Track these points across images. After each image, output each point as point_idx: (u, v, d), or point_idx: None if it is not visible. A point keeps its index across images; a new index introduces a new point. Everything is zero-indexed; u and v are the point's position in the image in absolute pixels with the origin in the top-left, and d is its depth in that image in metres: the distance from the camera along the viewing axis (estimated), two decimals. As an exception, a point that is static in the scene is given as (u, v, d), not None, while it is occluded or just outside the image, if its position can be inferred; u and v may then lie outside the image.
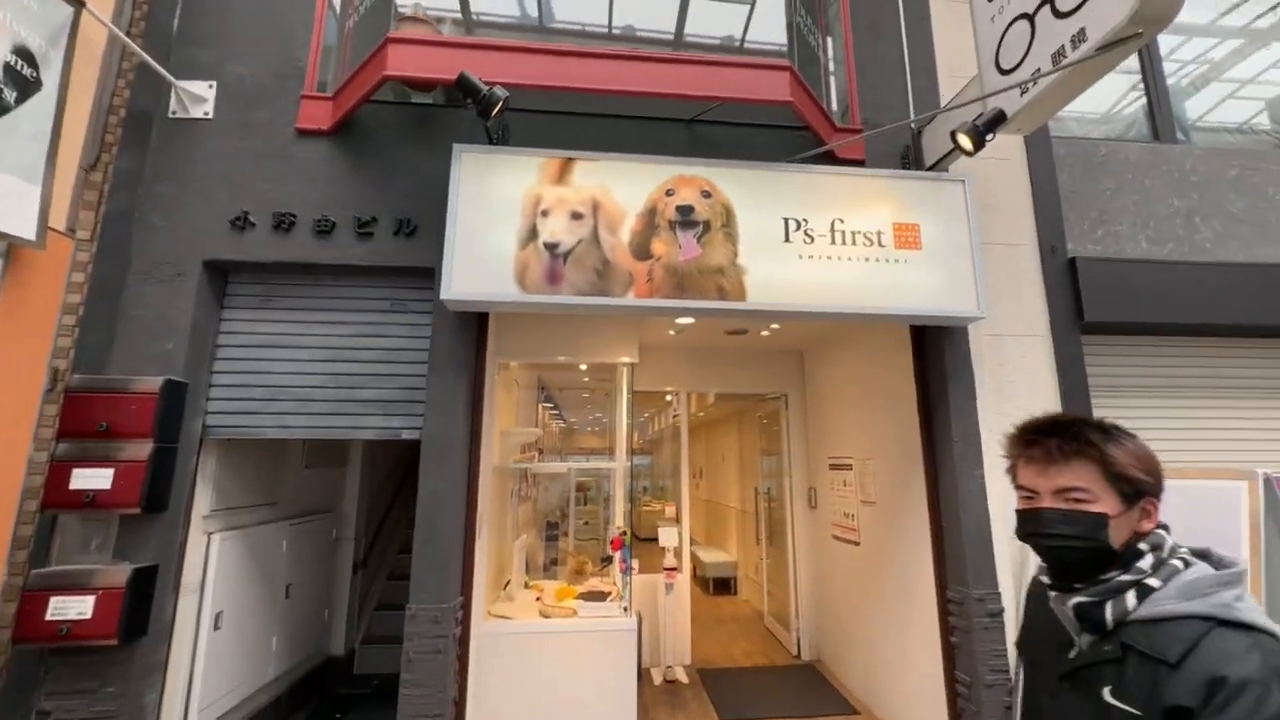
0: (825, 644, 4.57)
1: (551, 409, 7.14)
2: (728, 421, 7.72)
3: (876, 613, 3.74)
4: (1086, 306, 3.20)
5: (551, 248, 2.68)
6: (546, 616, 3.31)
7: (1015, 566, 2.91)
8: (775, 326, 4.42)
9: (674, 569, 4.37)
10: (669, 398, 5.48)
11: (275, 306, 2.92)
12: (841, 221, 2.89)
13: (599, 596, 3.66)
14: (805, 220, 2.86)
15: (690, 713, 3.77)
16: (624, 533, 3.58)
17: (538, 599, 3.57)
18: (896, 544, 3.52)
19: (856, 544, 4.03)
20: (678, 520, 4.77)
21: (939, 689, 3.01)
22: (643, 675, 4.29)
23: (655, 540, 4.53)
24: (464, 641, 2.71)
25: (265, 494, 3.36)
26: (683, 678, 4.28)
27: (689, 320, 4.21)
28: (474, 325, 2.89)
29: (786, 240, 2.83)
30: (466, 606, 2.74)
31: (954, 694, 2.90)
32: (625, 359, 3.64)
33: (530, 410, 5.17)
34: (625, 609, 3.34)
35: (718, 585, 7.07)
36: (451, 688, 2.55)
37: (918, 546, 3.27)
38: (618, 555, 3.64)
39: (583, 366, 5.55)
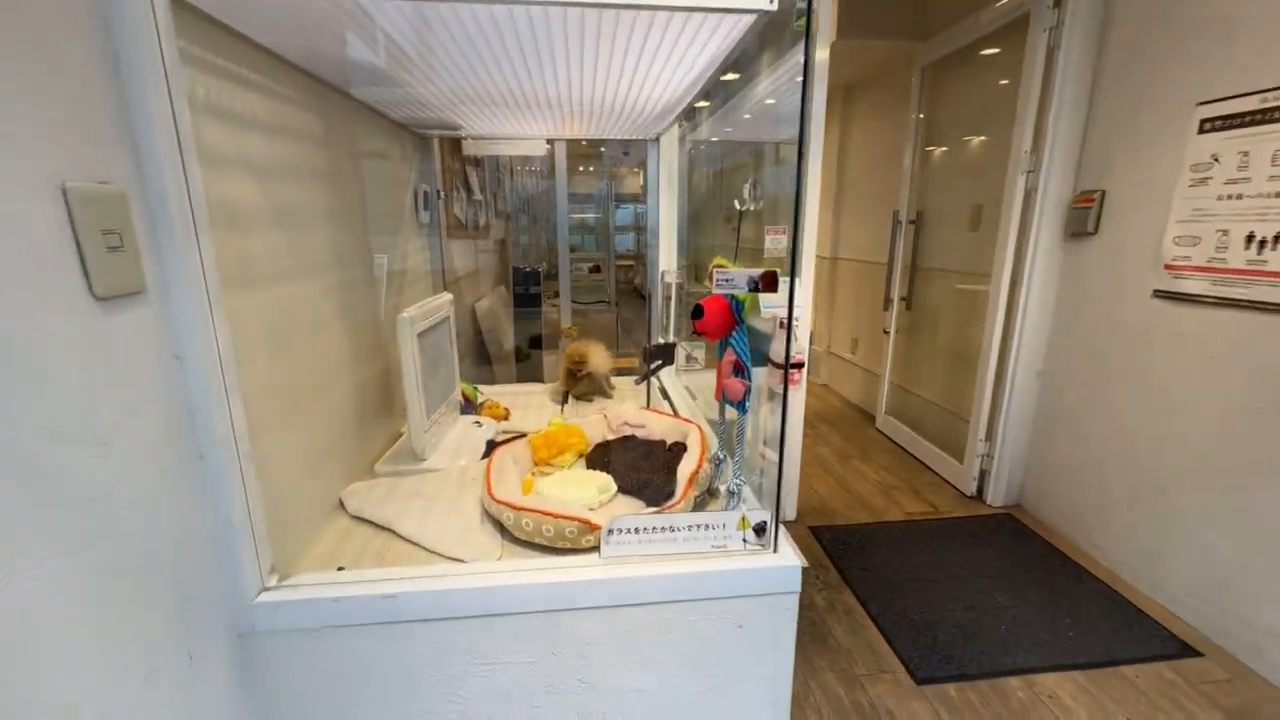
0: (1061, 498, 2.47)
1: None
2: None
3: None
4: None
5: None
6: (518, 537, 0.99)
7: None
8: None
9: (799, 364, 2.00)
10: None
11: None
12: None
13: (670, 453, 1.28)
14: None
15: (836, 660, 1.76)
16: (721, 267, 1.05)
17: (488, 456, 1.21)
18: None
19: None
20: (793, 263, 2.24)
21: None
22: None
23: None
24: None
25: None
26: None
27: None
28: None
29: None
30: None
31: None
32: None
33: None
34: (767, 530, 0.98)
35: (778, 363, 4.99)
36: None
37: None
38: (732, 356, 1.16)
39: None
